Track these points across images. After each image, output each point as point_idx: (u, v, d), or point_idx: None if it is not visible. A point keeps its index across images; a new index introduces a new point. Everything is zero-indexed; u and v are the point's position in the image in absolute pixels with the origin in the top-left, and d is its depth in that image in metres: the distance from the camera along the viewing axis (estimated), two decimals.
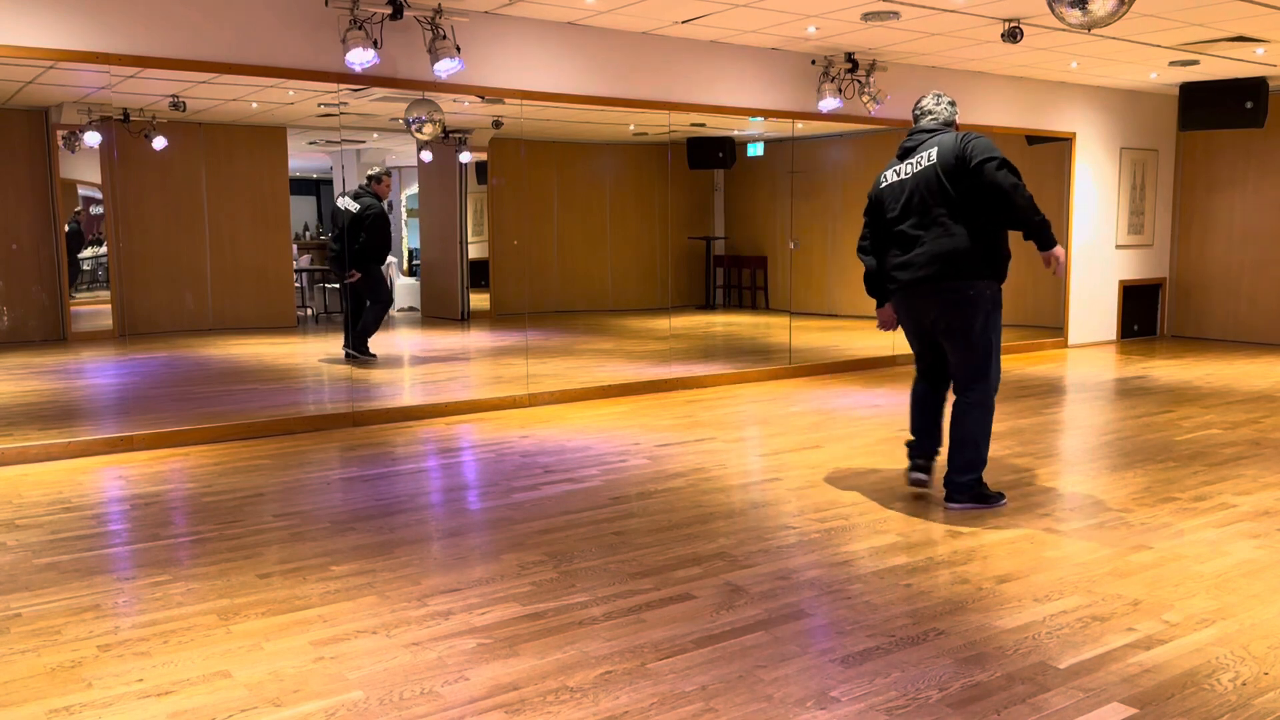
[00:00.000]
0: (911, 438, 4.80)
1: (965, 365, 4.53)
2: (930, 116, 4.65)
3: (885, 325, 4.84)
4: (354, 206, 8.55)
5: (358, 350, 8.58)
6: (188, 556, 3.93)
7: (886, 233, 4.60)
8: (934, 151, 4.46)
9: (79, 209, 8.81)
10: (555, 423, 6.59)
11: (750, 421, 6.58)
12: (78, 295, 8.75)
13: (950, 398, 4.70)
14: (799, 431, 6.27)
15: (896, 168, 4.59)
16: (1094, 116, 10.35)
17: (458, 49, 6.43)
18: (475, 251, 10.44)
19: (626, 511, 4.51)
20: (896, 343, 9.62)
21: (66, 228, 8.62)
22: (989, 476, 4.75)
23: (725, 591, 3.51)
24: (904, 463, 5.00)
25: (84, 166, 8.63)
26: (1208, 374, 8.58)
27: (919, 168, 4.48)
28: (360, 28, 6.14)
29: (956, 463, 4.55)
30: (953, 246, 4.36)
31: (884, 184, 4.61)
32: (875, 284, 4.74)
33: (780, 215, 11.74)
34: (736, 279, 12.89)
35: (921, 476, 4.73)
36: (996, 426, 6.37)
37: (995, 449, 5.76)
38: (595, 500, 4.70)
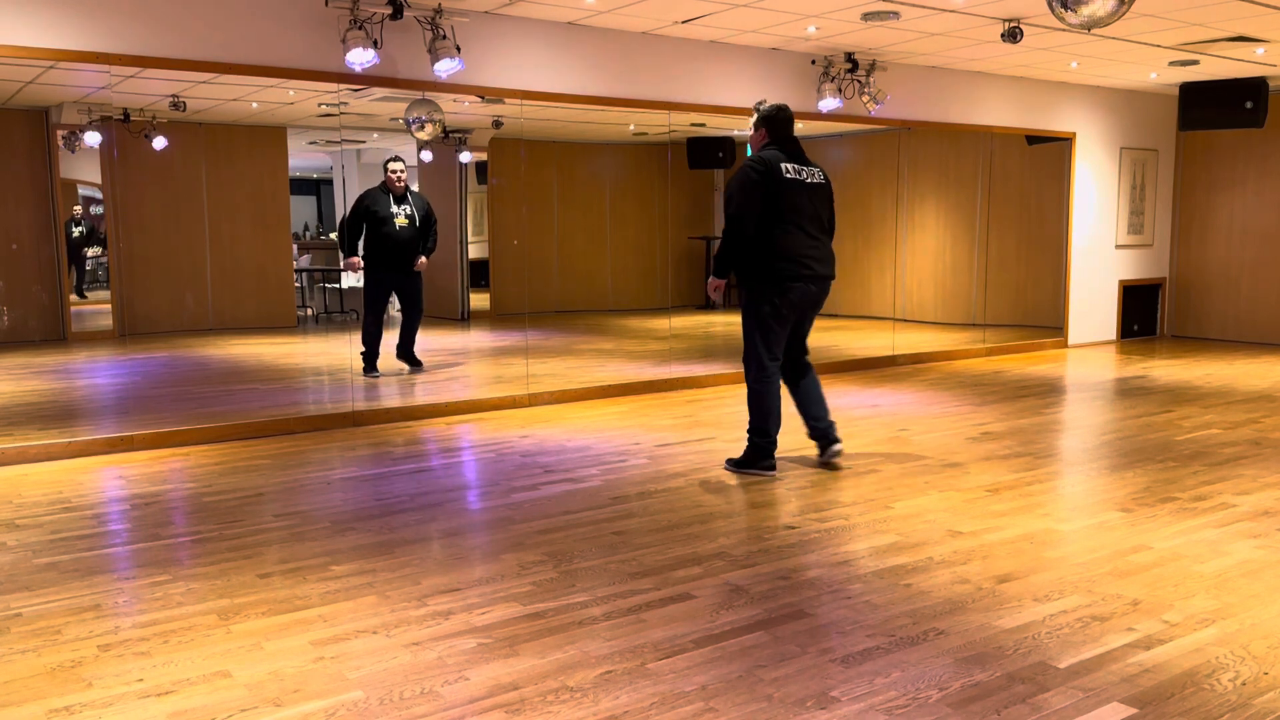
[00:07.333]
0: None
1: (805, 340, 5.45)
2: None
3: (717, 292, 5.49)
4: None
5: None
6: (188, 556, 3.93)
7: (785, 223, 4.97)
8: (819, 170, 5.08)
9: (78, 207, 8.79)
10: (555, 423, 6.59)
11: None
12: (87, 296, 8.76)
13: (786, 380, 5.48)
14: (799, 431, 6.26)
15: (790, 165, 4.96)
16: (1094, 116, 10.35)
17: (458, 49, 6.43)
18: (475, 251, 10.43)
19: (626, 511, 4.51)
20: (896, 343, 9.61)
21: (77, 230, 8.59)
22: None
23: (725, 591, 3.51)
24: (906, 461, 5.43)
25: (84, 166, 8.63)
26: (1208, 374, 8.58)
27: (817, 179, 5.03)
28: (360, 28, 6.15)
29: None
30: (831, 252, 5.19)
31: (787, 175, 4.94)
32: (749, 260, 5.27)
33: None
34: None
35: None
36: (996, 425, 6.41)
37: (994, 448, 5.78)
38: (595, 500, 4.70)
